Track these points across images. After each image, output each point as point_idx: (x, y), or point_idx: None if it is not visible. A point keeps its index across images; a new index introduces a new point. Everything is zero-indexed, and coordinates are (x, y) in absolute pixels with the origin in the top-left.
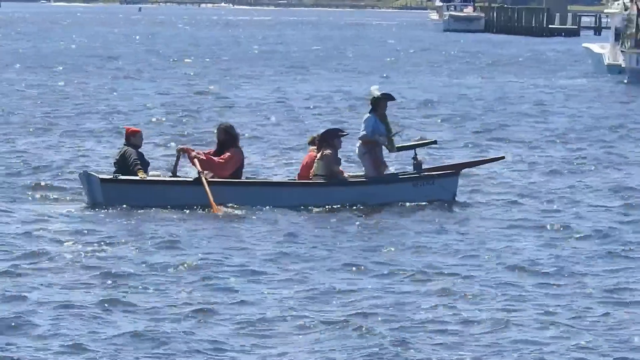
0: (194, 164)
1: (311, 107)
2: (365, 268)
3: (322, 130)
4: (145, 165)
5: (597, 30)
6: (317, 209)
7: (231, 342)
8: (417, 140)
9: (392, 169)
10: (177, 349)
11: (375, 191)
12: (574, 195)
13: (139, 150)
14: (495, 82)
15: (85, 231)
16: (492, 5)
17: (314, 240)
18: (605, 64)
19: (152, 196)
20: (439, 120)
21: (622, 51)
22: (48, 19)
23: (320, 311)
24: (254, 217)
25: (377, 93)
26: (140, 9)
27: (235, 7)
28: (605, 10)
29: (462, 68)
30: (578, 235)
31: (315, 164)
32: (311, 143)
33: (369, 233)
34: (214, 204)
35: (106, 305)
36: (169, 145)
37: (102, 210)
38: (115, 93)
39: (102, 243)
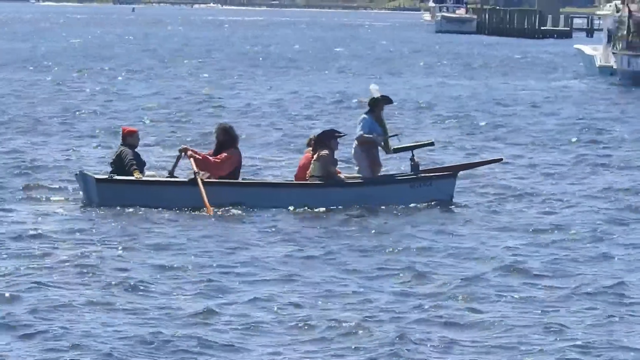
0: (191, 163)
1: (307, 108)
2: (362, 269)
3: (319, 132)
4: (141, 165)
5: (590, 32)
6: (313, 210)
7: (227, 343)
8: (415, 142)
9: (385, 169)
10: (172, 350)
11: (372, 192)
12: (571, 197)
13: (136, 150)
14: (488, 83)
15: (79, 231)
16: (485, 7)
17: (310, 241)
18: (597, 65)
19: (148, 196)
20: (434, 122)
21: (613, 53)
22: (41, 19)
23: (317, 312)
24: (250, 218)
25: (377, 94)
26: (133, 9)
27: (226, 7)
28: (597, 12)
29: (454, 70)
30: (574, 237)
31: (311, 165)
32: (308, 144)
33: (365, 234)
34: (208, 205)
35: (100, 305)
36: (166, 145)
37: (97, 211)
38: (112, 93)
39: (95, 243)
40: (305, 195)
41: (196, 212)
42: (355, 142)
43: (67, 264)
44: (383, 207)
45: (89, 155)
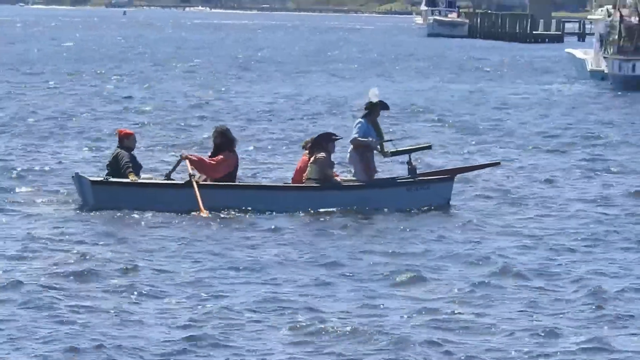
0: (187, 165)
1: (303, 111)
2: (358, 272)
3: (316, 134)
4: (137, 167)
5: (581, 36)
6: (310, 213)
7: (223, 345)
8: (412, 145)
9: (381, 173)
10: (169, 352)
11: (369, 195)
12: (567, 201)
13: (132, 153)
14: (479, 88)
15: (74, 233)
16: (477, 11)
17: (306, 244)
18: (588, 70)
19: (143, 199)
20: (428, 126)
21: (604, 57)
22: (33, 22)
23: (312, 314)
24: (246, 221)
25: (375, 99)
26: (125, 12)
27: (217, 10)
28: (589, 17)
29: (446, 73)
30: (572, 241)
31: (308, 168)
32: (305, 147)
33: (361, 237)
34: (202, 207)
35: (95, 308)
36: (162, 148)
37: (92, 213)
38: (106, 96)
39: (90, 245)
40: (302, 198)
41: (191, 215)
42: (350, 146)
43: (62, 266)
44: (380, 211)
45: (87, 157)
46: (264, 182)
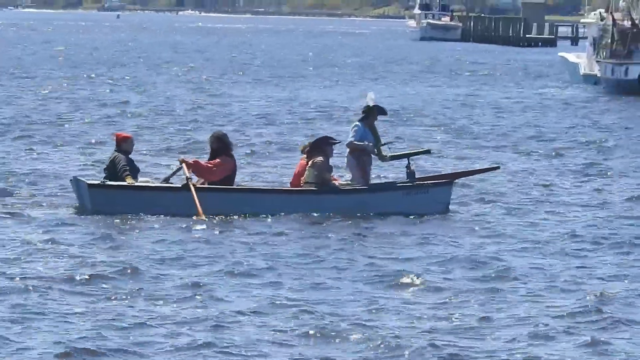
0: (183, 168)
1: (299, 115)
2: (355, 276)
3: (313, 138)
4: (135, 171)
5: (574, 40)
6: (307, 217)
7: (221, 349)
8: (411, 150)
9: (382, 177)
10: (167, 355)
11: (368, 200)
12: (567, 205)
13: (129, 156)
14: (473, 91)
15: (72, 237)
16: (470, 14)
17: (303, 248)
18: (581, 73)
19: (140, 202)
20: (423, 130)
21: (597, 61)
22: (26, 26)
23: (307, 318)
24: (243, 225)
25: (372, 103)
26: (118, 16)
27: (211, 14)
28: (582, 20)
29: (439, 77)
30: (570, 245)
31: (306, 172)
32: (303, 151)
33: (359, 241)
34: (200, 209)
35: (91, 312)
36: (159, 151)
37: (90, 216)
38: (102, 100)
39: (87, 249)
40: (299, 202)
41: (189, 218)
42: (347, 150)
43: (59, 270)
44: (378, 215)
45: (84, 161)
46: (261, 186)
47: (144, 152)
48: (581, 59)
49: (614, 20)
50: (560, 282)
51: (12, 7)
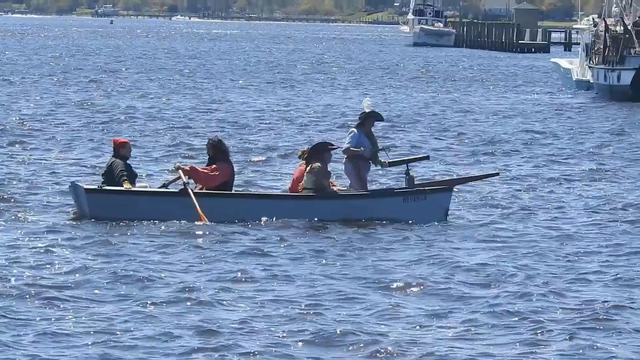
0: (180, 174)
1: (295, 120)
2: (353, 282)
3: (312, 144)
4: (132, 176)
5: (567, 46)
6: (305, 223)
7: (222, 354)
8: (410, 156)
9: (377, 183)
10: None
11: (366, 205)
12: (566, 210)
13: (127, 162)
14: (466, 97)
15: (68, 242)
16: (463, 20)
17: (301, 253)
18: (574, 79)
19: (137, 207)
20: (419, 136)
21: (589, 67)
22: (19, 31)
23: (304, 323)
24: (241, 230)
25: (368, 109)
26: (112, 21)
27: (204, 20)
28: (575, 26)
29: (432, 83)
30: (569, 253)
31: (304, 178)
32: (301, 157)
33: (358, 247)
34: (201, 213)
35: (89, 316)
36: (157, 157)
37: (89, 221)
38: (102, 105)
39: (82, 254)
40: (297, 208)
41: (185, 223)
42: (344, 156)
43: (56, 274)
44: (377, 221)
45: (81, 167)
46: (259, 191)
47: (141, 157)
48: (574, 65)
49: (606, 26)
50: (559, 288)
51: (2, 13)
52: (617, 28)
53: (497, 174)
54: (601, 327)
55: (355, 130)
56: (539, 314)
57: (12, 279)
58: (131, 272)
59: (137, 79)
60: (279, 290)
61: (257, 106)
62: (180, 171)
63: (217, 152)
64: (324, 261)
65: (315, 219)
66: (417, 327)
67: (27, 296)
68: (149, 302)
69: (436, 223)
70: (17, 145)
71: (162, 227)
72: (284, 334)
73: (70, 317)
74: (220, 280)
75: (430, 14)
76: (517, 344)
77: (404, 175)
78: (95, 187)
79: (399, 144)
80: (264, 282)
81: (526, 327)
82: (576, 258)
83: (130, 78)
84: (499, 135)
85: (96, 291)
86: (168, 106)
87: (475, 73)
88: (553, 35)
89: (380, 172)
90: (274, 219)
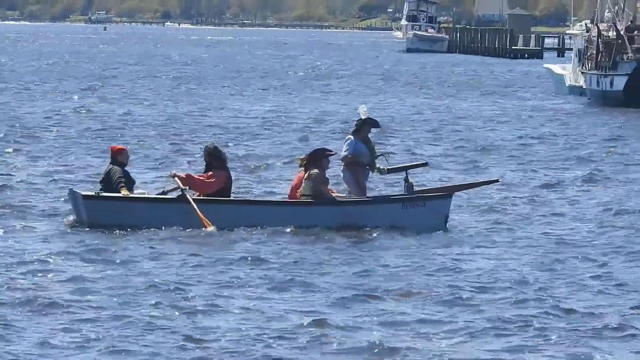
0: (176, 180)
1: (291, 126)
2: (351, 288)
3: (310, 151)
4: (130, 183)
5: (560, 51)
6: (303, 229)
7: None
8: (408, 163)
9: (375, 190)
10: None
11: (365, 212)
12: (566, 218)
13: (125, 168)
14: (460, 103)
15: (65, 248)
16: (456, 26)
17: (299, 260)
18: (567, 85)
19: (135, 213)
20: (417, 142)
21: (582, 72)
22: (14, 38)
23: (302, 330)
24: (239, 236)
25: (364, 115)
26: (105, 28)
27: (198, 27)
28: (568, 32)
29: (426, 89)
30: (567, 258)
31: (303, 184)
32: (300, 164)
33: (357, 253)
34: (204, 219)
35: (87, 321)
36: (155, 163)
37: (84, 228)
38: (99, 112)
39: (80, 261)
40: (295, 214)
41: (183, 229)
42: (342, 164)
43: (53, 282)
44: (375, 228)
45: (79, 174)
46: (257, 198)
47: (139, 164)
48: (567, 70)
49: (599, 31)
50: (558, 294)
51: None
52: (610, 33)
53: (497, 181)
54: (600, 333)
55: (352, 137)
56: (538, 320)
57: (8, 286)
58: (129, 280)
59: (132, 86)
60: (277, 298)
61: (254, 113)
62: (176, 178)
63: (214, 159)
64: (322, 268)
65: (314, 225)
66: (416, 334)
67: (24, 303)
68: (146, 309)
69: (436, 230)
70: (14, 152)
71: (160, 234)
72: (283, 342)
73: (66, 324)
74: (218, 287)
75: (423, 19)
76: (516, 350)
77: (403, 182)
78: (93, 193)
79: (395, 150)
80: (262, 288)
81: (525, 333)
82: (574, 264)
83: (127, 85)
84: (495, 141)
85: (93, 298)
86: (165, 113)
87: (468, 79)
88: (546, 40)
89: (380, 178)
90: (273, 225)
